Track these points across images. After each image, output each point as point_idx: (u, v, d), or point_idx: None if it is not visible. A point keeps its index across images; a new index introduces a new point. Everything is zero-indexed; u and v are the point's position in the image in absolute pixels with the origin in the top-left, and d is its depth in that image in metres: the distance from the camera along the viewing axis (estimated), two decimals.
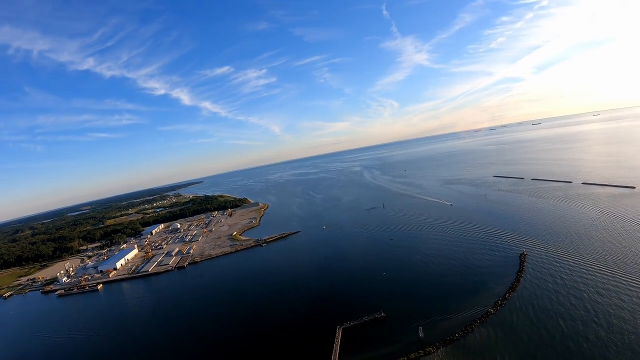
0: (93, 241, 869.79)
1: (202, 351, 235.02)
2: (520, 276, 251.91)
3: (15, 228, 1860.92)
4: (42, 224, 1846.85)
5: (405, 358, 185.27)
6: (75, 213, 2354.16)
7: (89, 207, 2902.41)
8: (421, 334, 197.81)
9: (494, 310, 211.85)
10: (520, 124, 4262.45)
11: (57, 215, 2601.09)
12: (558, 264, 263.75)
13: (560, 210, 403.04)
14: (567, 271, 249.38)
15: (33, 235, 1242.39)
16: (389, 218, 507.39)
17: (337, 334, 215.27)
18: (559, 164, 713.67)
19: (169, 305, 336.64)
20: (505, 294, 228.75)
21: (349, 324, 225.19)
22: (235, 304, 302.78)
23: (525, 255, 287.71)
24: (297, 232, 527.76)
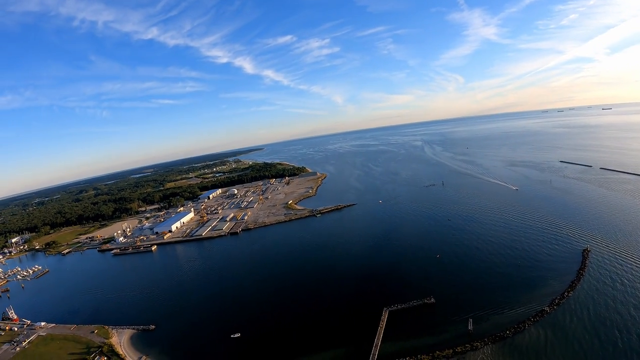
0: (152, 203, 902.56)
1: (246, 319, 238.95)
2: (582, 274, 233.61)
3: (80, 188, 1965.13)
4: (106, 185, 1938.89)
5: (451, 351, 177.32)
6: (138, 175, 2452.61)
7: (152, 170, 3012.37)
8: (470, 327, 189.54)
9: (549, 309, 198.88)
10: (589, 107, 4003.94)
11: (121, 177, 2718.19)
12: (621, 266, 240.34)
13: (630, 206, 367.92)
14: (630, 275, 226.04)
15: (96, 195, 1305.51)
16: (448, 197, 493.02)
17: (382, 316, 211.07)
18: (630, 155, 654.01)
19: (218, 271, 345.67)
20: (564, 293, 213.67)
21: (397, 307, 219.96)
22: (282, 275, 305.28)
23: (588, 251, 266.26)
24: (352, 204, 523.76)
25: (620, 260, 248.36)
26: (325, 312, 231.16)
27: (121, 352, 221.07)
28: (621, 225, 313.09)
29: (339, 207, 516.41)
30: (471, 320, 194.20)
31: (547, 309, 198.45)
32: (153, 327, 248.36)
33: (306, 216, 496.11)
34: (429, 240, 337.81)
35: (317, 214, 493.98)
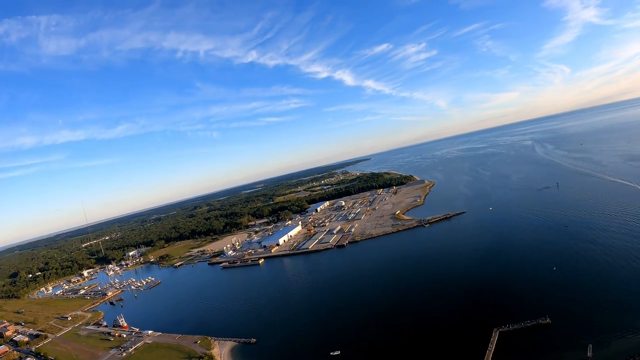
0: (261, 217, 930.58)
1: (347, 336, 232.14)
2: None
3: (195, 205, 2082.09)
4: (218, 200, 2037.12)
5: None
6: (249, 191, 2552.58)
7: (262, 185, 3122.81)
8: (589, 353, 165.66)
9: None
10: None
11: (233, 193, 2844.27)
12: None
13: None
14: None
15: (209, 211, 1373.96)
16: (564, 200, 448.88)
17: (492, 337, 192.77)
18: None
19: (322, 284, 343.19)
20: None
21: (508, 327, 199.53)
22: (386, 290, 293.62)
23: None
24: (462, 212, 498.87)
25: None
26: (430, 330, 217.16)
27: None
28: None
29: (447, 216, 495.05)
30: (591, 345, 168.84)
31: None
32: (254, 340, 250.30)
33: (414, 227, 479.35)
34: (544, 250, 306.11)
35: (426, 224, 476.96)
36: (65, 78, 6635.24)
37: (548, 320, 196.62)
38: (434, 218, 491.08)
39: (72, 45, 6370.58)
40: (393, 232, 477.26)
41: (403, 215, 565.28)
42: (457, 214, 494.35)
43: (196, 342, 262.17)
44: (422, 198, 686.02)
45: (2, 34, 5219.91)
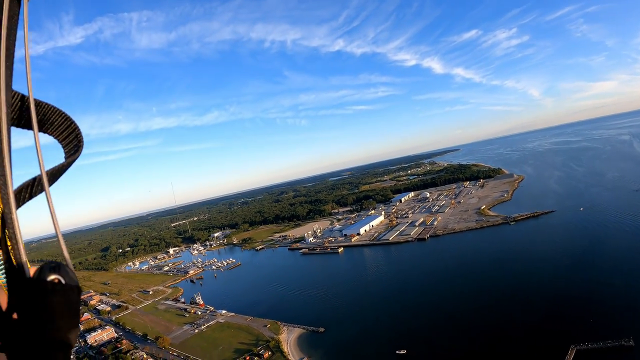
0: (345, 205, 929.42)
1: (416, 335, 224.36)
2: None
3: (281, 190, 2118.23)
4: (305, 187, 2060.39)
5: None
6: (335, 178, 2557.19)
7: (349, 172, 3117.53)
8: None
9: None
10: None
11: (320, 179, 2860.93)
12: None
13: None
14: None
15: (294, 197, 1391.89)
16: None
17: (568, 354, 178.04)
18: None
19: (399, 278, 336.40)
20: None
21: (587, 345, 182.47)
22: (461, 291, 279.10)
23: None
24: (551, 211, 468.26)
25: None
26: (502, 337, 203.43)
27: (285, 350, 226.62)
28: None
29: (535, 214, 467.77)
30: None
31: None
32: (323, 329, 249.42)
33: (499, 223, 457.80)
34: (637, 261, 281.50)
35: (511, 221, 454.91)
36: (158, 69, 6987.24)
37: (632, 342, 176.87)
38: (521, 215, 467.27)
39: (163, 39, 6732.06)
40: (477, 228, 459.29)
41: (488, 211, 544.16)
42: (546, 213, 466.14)
43: (266, 326, 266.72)
44: (510, 193, 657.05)
45: (97, 30, 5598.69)
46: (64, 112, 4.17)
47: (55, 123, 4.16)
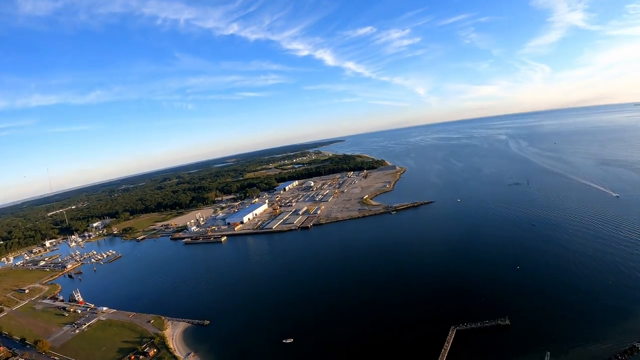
0: (229, 193, 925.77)
1: (301, 323, 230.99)
2: None
3: (165, 176, 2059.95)
4: (189, 173, 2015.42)
5: None
6: (220, 165, 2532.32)
7: (235, 159, 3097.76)
8: None
9: None
10: None
11: (205, 166, 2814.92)
12: None
13: None
14: None
15: (178, 184, 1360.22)
16: (533, 198, 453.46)
17: (449, 335, 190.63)
18: None
19: (282, 267, 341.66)
20: None
21: (466, 326, 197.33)
22: (346, 278, 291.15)
23: None
24: (430, 202, 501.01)
25: None
26: (386, 323, 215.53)
27: (171, 346, 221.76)
28: None
29: (415, 204, 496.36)
30: (549, 353, 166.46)
31: (639, 345, 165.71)
32: (208, 322, 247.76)
33: (381, 213, 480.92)
34: (509, 248, 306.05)
35: (392, 211, 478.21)
36: (41, 40, 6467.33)
37: (507, 321, 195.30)
38: (402, 205, 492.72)
39: (49, 6, 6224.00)
40: (359, 217, 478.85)
41: (371, 200, 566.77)
42: (425, 203, 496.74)
43: (150, 322, 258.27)
44: (392, 184, 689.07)
45: None
46: None
47: None
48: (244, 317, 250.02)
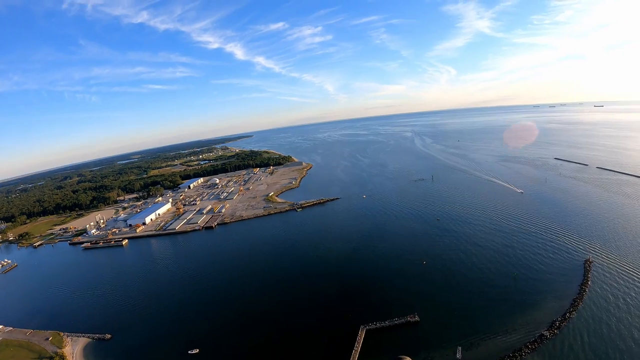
0: (132, 192, 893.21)
1: (208, 332, 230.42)
2: (584, 291, 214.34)
3: (65, 175, 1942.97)
4: (91, 171, 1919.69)
5: None
6: (124, 162, 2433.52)
7: (139, 155, 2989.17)
8: (459, 355, 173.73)
9: (549, 333, 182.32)
10: (581, 104, 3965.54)
11: (108, 163, 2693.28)
12: (624, 281, 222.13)
13: (630, 211, 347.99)
14: (634, 293, 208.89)
15: (79, 182, 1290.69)
16: (438, 193, 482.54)
17: (359, 335, 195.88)
18: (626, 154, 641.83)
19: (186, 272, 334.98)
20: (565, 313, 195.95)
21: (375, 325, 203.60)
22: (250, 282, 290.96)
23: (590, 262, 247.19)
24: (336, 198, 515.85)
25: (623, 273, 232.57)
26: (294, 327, 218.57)
27: None
28: (622, 232, 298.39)
29: (321, 201, 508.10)
30: (460, 348, 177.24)
31: (546, 333, 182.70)
32: (109, 336, 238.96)
33: (286, 210, 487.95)
34: (415, 242, 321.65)
35: (298, 208, 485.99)
36: None
37: (417, 318, 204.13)
38: (308, 202, 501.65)
39: None
40: (264, 215, 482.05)
41: (276, 198, 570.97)
42: (332, 200, 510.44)
43: (48, 339, 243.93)
44: (298, 180, 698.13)
45: None
46: None
47: None
48: (148, 328, 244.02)
